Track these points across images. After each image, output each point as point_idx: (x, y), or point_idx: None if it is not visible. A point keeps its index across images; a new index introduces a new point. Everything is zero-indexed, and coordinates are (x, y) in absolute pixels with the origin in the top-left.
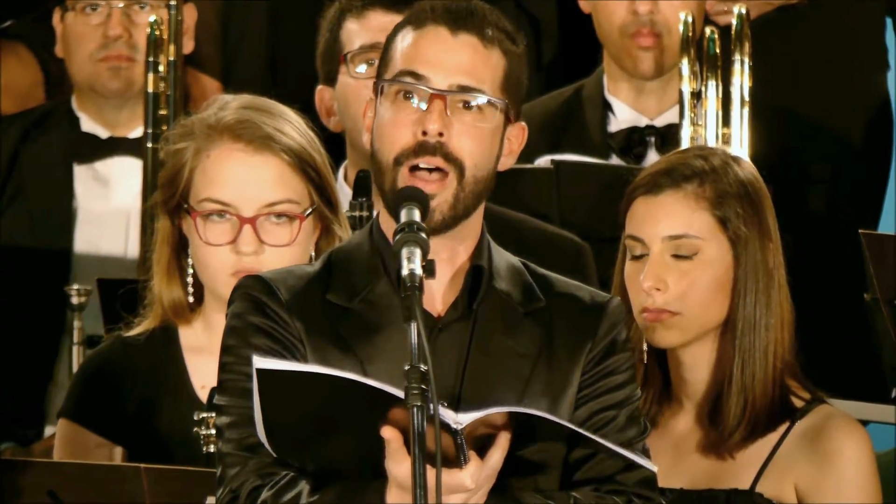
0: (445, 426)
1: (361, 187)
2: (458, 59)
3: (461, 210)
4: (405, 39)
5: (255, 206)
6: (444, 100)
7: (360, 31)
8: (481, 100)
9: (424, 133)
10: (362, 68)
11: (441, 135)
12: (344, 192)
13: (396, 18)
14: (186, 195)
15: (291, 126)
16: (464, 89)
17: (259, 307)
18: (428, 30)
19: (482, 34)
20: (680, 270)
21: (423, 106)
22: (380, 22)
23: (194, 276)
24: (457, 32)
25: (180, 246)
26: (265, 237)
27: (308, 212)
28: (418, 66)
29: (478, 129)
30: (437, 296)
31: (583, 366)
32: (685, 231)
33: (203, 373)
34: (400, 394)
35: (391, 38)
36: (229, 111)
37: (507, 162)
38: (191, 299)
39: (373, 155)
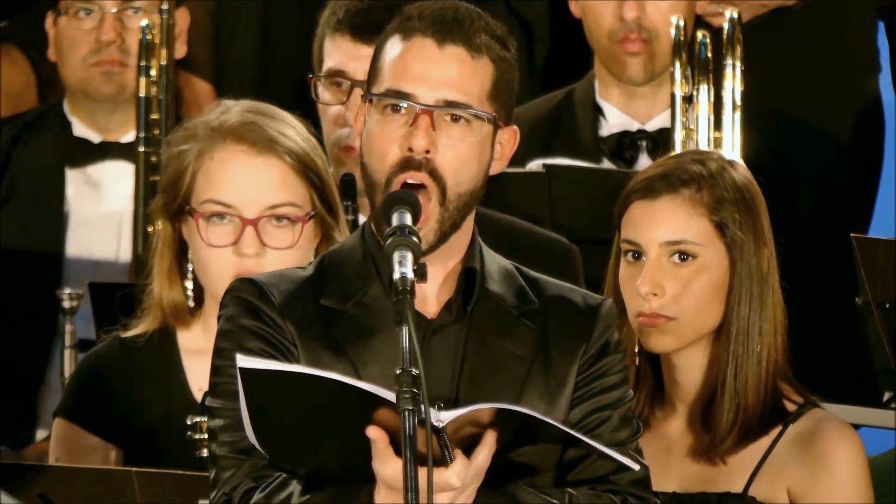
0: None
1: (347, 191)
2: (444, 74)
3: (448, 228)
4: (393, 50)
5: (257, 208)
6: (430, 115)
7: (330, 52)
8: (469, 113)
9: (411, 150)
10: (325, 95)
11: (428, 151)
12: None
13: (363, 49)
14: (188, 197)
15: (294, 130)
16: (450, 104)
17: (252, 310)
18: (415, 42)
19: (470, 44)
20: (677, 275)
21: (411, 120)
22: (346, 49)
23: (194, 280)
24: (443, 44)
25: (181, 250)
26: (267, 239)
27: (310, 215)
28: (405, 84)
29: (465, 144)
30: (430, 297)
31: (577, 368)
32: (683, 236)
33: (201, 375)
34: (383, 394)
35: (380, 46)
36: (232, 114)
37: (499, 166)
38: (191, 303)
39: (362, 166)
